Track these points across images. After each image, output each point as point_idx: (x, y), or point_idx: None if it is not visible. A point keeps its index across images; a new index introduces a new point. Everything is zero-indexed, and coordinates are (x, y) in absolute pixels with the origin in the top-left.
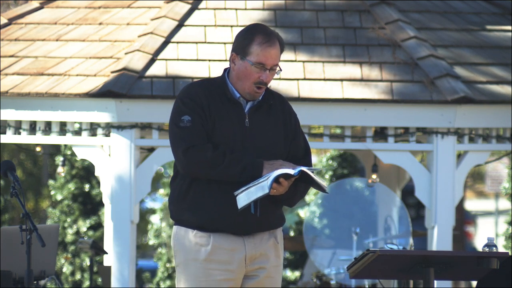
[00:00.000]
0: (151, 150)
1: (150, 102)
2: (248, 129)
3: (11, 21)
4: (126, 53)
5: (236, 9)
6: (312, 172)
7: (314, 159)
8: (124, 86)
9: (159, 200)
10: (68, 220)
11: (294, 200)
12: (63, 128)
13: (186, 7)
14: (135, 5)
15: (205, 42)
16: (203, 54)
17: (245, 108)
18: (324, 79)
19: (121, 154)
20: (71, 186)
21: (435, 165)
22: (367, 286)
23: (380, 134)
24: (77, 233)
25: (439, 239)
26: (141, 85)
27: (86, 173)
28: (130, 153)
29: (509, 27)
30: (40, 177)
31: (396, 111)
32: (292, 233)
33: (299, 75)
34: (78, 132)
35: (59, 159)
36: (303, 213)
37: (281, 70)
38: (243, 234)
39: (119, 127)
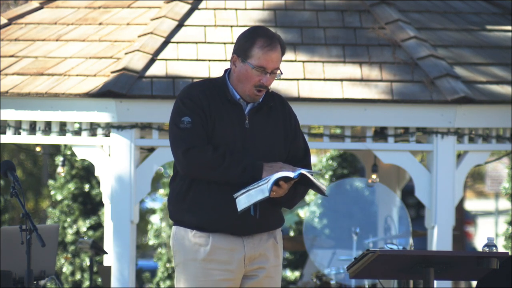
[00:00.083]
0: (151, 150)
1: (150, 102)
2: (248, 131)
3: (11, 21)
4: (126, 53)
5: (236, 9)
6: (312, 175)
7: (314, 159)
8: (124, 86)
9: (159, 200)
10: (68, 220)
11: (294, 202)
12: (63, 128)
13: (186, 7)
14: (135, 5)
15: (205, 42)
16: (203, 54)
17: (245, 110)
18: (324, 79)
19: (121, 154)
20: (71, 186)
21: (435, 165)
22: (367, 286)
23: (380, 134)
24: (77, 233)
25: (439, 239)
26: (141, 85)
27: (86, 173)
28: (130, 153)
29: (509, 27)
30: (40, 177)
31: (396, 111)
32: (292, 233)
33: (299, 75)
34: (78, 132)
35: (59, 159)
36: (303, 213)
37: (281, 73)
38: (242, 235)
39: (119, 127)
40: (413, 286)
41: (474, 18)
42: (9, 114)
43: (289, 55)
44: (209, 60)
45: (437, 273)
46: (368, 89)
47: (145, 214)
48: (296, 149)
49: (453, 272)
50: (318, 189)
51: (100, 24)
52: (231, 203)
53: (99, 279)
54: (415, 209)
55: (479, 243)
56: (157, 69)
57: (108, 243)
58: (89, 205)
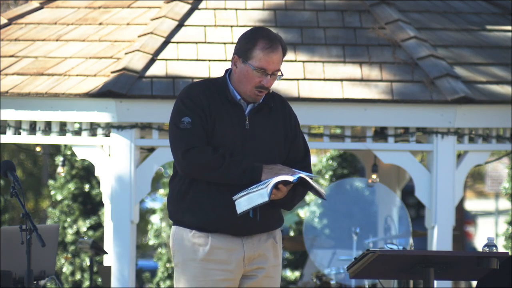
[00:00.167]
0: (151, 150)
1: (150, 102)
2: (248, 131)
3: (11, 21)
4: (126, 53)
5: (236, 9)
6: (311, 178)
7: (314, 159)
8: (124, 86)
9: (159, 200)
10: (68, 220)
11: (293, 203)
12: (63, 128)
13: (186, 7)
14: (135, 5)
15: (205, 42)
16: (203, 54)
17: (246, 110)
18: (324, 79)
19: (121, 154)
20: (71, 186)
21: (435, 165)
22: (367, 286)
23: (380, 134)
24: (77, 233)
25: (439, 239)
26: (141, 85)
27: (86, 173)
28: (130, 153)
29: (509, 27)
30: (40, 177)
31: (396, 111)
32: (292, 233)
33: (299, 75)
34: (78, 132)
35: (59, 159)
36: (303, 213)
37: (282, 74)
38: (241, 235)
39: (119, 127)
40: (413, 286)
41: (474, 18)
42: (9, 114)
43: (289, 55)
44: (209, 60)
45: (437, 273)
46: (368, 89)
47: (145, 214)
48: (296, 150)
49: (453, 272)
50: (317, 193)
51: (100, 24)
52: (230, 204)
53: (99, 279)
54: (415, 209)
55: (479, 243)
56: (157, 69)
57: (108, 243)
58: (89, 205)
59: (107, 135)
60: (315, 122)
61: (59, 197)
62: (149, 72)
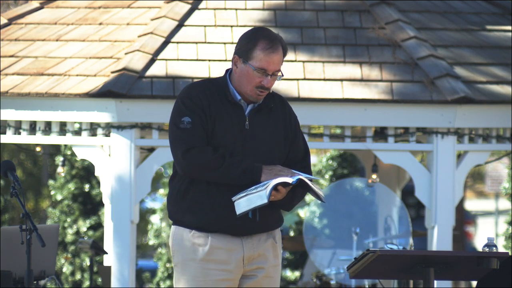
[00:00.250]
0: (151, 150)
1: (150, 102)
2: (248, 132)
3: (11, 21)
4: (126, 53)
5: (236, 9)
6: (311, 180)
7: (314, 159)
8: (124, 86)
9: (159, 200)
10: (68, 220)
11: (292, 204)
12: (63, 128)
13: (186, 7)
14: (135, 5)
15: (205, 42)
16: (203, 54)
17: (246, 111)
18: (324, 79)
19: (121, 154)
20: (71, 186)
21: (435, 165)
22: (367, 286)
23: (380, 134)
24: (77, 233)
25: (439, 239)
26: (141, 85)
27: (86, 173)
28: (130, 153)
29: (509, 27)
30: (40, 177)
31: (396, 111)
32: (292, 233)
33: (299, 75)
34: (78, 132)
35: (59, 159)
36: (303, 213)
37: (282, 75)
38: (241, 235)
39: (119, 127)
40: (413, 286)
41: (474, 18)
42: (9, 114)
43: (289, 55)
44: (209, 60)
45: (437, 273)
46: (368, 89)
47: (145, 214)
48: (296, 150)
49: (453, 272)
50: (316, 195)
51: (100, 24)
52: (230, 204)
53: (99, 279)
54: (415, 209)
55: (479, 243)
56: (157, 69)
57: (108, 243)
58: (89, 205)
59: (107, 135)
60: (315, 122)
61: (59, 197)
62: (149, 72)
